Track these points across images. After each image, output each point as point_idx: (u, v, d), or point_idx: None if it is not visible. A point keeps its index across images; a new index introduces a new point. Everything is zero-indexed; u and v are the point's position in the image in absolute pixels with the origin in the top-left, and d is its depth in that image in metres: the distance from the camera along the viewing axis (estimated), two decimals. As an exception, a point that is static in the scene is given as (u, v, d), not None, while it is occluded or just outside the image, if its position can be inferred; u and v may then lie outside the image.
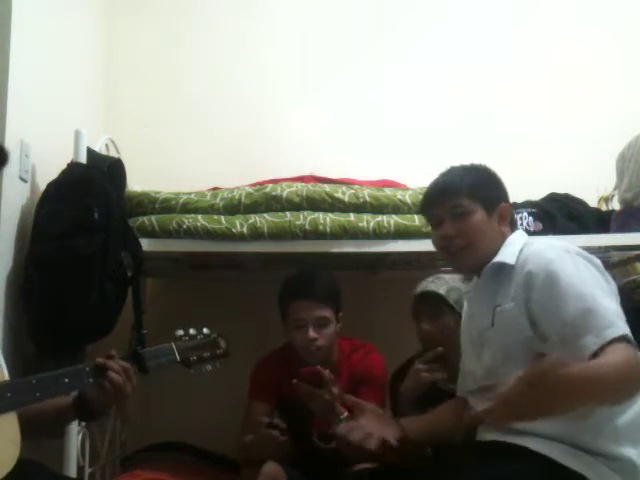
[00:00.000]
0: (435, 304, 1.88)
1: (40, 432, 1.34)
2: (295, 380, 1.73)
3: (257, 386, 2.07)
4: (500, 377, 1.39)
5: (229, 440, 2.06)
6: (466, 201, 1.49)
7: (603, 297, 1.30)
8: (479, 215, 1.48)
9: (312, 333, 1.93)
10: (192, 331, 1.60)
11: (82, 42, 2.55)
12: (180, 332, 1.59)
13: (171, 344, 1.54)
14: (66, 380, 1.31)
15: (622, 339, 1.23)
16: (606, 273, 1.38)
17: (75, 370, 1.35)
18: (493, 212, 1.50)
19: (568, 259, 1.35)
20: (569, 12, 2.93)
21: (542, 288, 1.34)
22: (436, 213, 1.54)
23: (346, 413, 1.79)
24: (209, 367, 1.58)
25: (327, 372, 1.74)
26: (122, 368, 1.37)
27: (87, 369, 1.36)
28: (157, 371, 1.48)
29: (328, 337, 1.96)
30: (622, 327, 1.25)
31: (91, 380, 1.35)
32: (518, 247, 1.46)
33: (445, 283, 1.92)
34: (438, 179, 1.58)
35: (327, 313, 1.95)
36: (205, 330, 1.63)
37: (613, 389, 1.20)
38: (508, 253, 1.45)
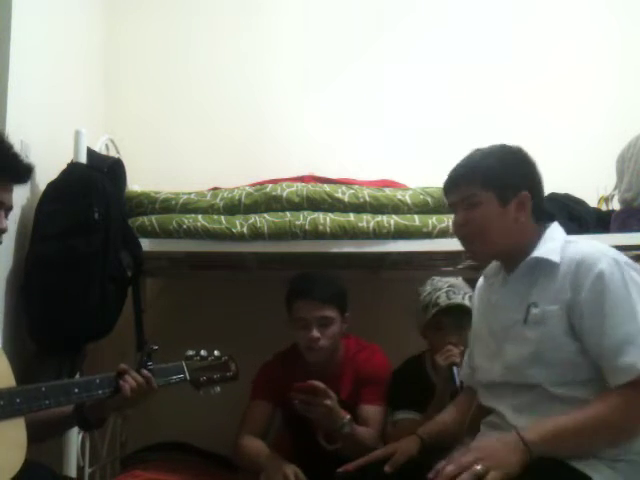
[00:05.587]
0: (461, 316, 1.87)
1: (38, 437, 1.35)
2: (292, 393, 1.75)
3: (259, 386, 2.07)
4: (524, 377, 1.38)
5: (229, 440, 2.06)
6: (478, 190, 1.44)
7: None
8: (490, 205, 1.43)
9: (315, 333, 1.94)
10: (203, 352, 1.61)
11: (82, 42, 2.55)
12: (191, 352, 1.59)
13: (182, 363, 1.55)
14: (76, 390, 1.32)
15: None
16: None
17: (85, 381, 1.36)
18: (509, 201, 1.44)
19: (618, 273, 1.31)
20: (569, 12, 2.93)
21: (589, 301, 1.31)
22: (451, 200, 1.52)
23: (348, 416, 1.79)
24: (218, 389, 1.59)
25: (319, 383, 1.74)
26: (138, 384, 1.40)
27: (97, 381, 1.36)
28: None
29: (331, 337, 1.96)
30: None
31: (100, 392, 1.36)
32: (559, 244, 1.41)
33: (463, 291, 1.92)
34: (456, 165, 1.53)
35: (330, 313, 1.95)
36: (216, 352, 1.64)
37: (590, 439, 1.26)
38: (550, 249, 1.40)
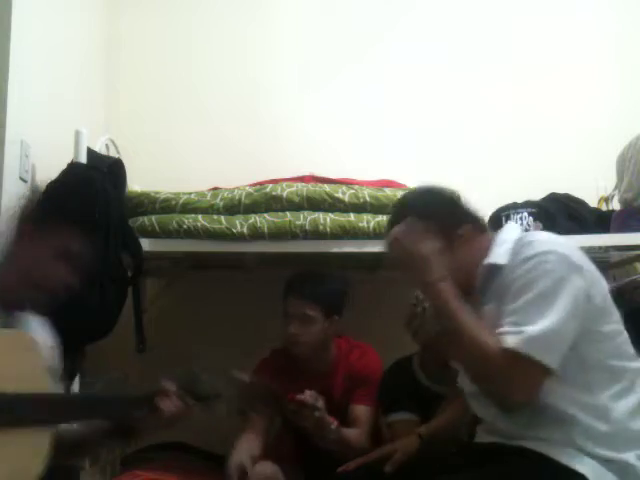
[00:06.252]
0: None
1: (79, 452, 1.36)
2: (283, 403, 1.74)
3: None
4: None
5: (229, 440, 2.05)
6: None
7: (560, 317, 1.24)
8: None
9: (292, 328, 1.95)
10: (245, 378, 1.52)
11: (82, 42, 2.55)
12: (236, 374, 1.49)
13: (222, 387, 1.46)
14: (111, 406, 1.32)
15: (528, 358, 1.21)
16: (594, 283, 1.32)
17: (122, 397, 1.35)
18: (454, 241, 1.40)
19: (557, 264, 1.27)
20: (568, 12, 2.94)
21: (518, 278, 1.30)
22: None
23: (335, 423, 1.80)
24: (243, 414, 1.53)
25: (308, 399, 1.72)
26: (177, 410, 1.35)
27: (134, 398, 1.35)
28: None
29: (311, 335, 1.96)
30: (543, 351, 1.21)
31: (136, 411, 1.34)
32: (509, 245, 1.39)
33: None
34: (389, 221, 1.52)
35: (312, 312, 1.96)
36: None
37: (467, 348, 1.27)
38: (498, 253, 1.39)
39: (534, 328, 1.23)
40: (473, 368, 1.31)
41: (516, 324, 1.25)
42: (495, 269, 1.38)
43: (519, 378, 1.24)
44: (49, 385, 1.27)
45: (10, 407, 1.18)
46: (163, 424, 1.35)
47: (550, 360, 1.23)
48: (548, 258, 1.29)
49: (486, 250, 1.41)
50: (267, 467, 1.84)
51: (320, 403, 1.74)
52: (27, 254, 1.35)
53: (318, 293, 1.98)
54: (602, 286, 1.35)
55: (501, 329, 1.26)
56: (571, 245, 1.36)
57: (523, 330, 1.23)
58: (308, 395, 1.73)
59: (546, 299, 1.25)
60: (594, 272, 1.34)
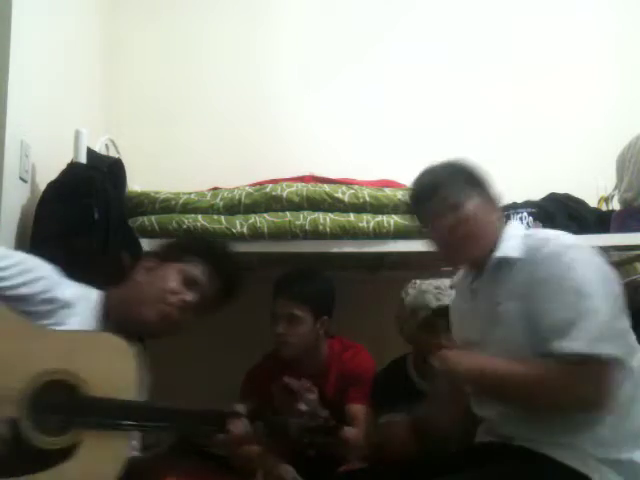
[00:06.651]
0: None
1: None
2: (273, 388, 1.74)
3: (245, 394, 2.07)
4: None
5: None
6: (463, 189, 1.43)
7: (604, 306, 1.26)
8: (476, 202, 1.42)
9: (279, 328, 1.97)
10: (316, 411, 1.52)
11: (82, 42, 2.55)
12: (303, 407, 1.50)
13: (287, 419, 1.46)
14: (184, 420, 1.34)
15: (586, 360, 1.22)
16: (614, 282, 1.35)
17: (195, 413, 1.36)
18: (490, 201, 1.45)
19: (570, 257, 1.32)
20: (568, 12, 2.94)
21: (541, 282, 1.32)
22: (433, 207, 1.45)
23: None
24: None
25: (302, 383, 1.70)
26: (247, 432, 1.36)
27: (206, 415, 1.37)
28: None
29: (299, 336, 1.98)
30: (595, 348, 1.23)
31: (205, 428, 1.37)
32: (519, 239, 1.41)
33: (448, 292, 1.90)
34: (424, 177, 1.52)
35: (299, 312, 1.97)
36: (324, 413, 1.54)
37: (522, 392, 1.31)
38: (509, 246, 1.40)
39: (585, 325, 1.24)
40: (547, 403, 1.30)
41: (566, 331, 1.25)
42: (506, 263, 1.39)
43: (592, 381, 1.24)
44: (134, 396, 1.28)
45: (92, 410, 1.21)
46: (227, 445, 1.38)
47: (614, 350, 1.23)
48: (573, 255, 1.32)
49: (496, 239, 1.43)
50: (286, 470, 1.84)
51: (313, 395, 1.72)
52: (153, 283, 1.41)
53: (307, 293, 1.99)
54: (617, 282, 1.37)
55: (557, 342, 1.26)
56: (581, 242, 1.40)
57: (577, 334, 1.23)
58: (299, 383, 1.71)
59: (583, 295, 1.27)
60: (609, 268, 1.37)
